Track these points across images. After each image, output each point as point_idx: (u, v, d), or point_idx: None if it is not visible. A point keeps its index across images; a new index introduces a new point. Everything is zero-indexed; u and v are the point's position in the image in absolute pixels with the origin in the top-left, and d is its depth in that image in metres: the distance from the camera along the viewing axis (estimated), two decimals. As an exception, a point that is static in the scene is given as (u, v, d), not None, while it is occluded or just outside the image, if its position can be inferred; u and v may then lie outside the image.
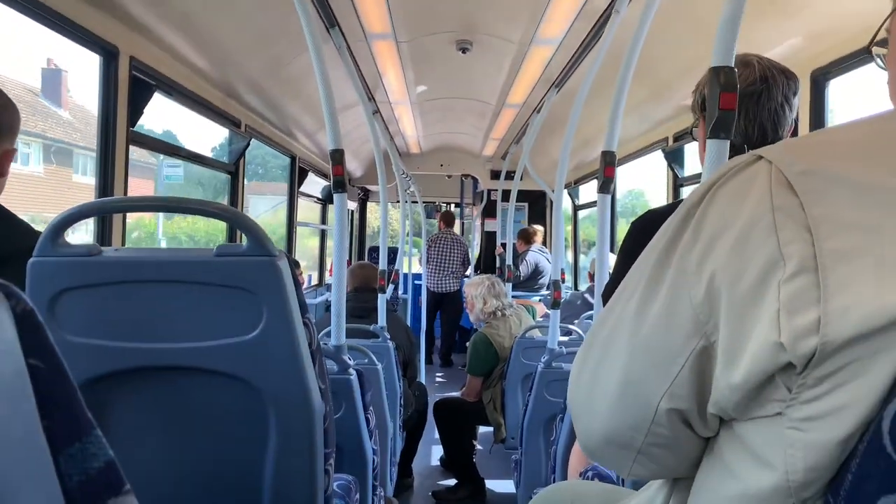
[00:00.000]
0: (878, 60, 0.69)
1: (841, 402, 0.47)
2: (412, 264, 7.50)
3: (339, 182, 2.01)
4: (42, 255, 1.09)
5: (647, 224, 1.36)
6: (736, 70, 1.19)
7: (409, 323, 5.75)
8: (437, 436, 3.60)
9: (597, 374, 0.65)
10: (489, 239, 7.64)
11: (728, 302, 0.52)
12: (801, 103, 1.27)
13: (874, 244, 0.47)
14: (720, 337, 0.53)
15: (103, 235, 2.21)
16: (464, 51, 3.52)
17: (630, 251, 1.34)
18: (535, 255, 5.95)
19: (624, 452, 0.64)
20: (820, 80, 2.22)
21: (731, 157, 1.02)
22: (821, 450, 0.48)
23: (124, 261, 1.13)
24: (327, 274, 6.26)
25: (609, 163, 1.98)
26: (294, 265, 3.70)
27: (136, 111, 2.35)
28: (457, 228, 7.36)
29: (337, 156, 1.99)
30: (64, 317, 1.12)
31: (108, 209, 1.55)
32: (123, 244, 2.33)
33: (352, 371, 2.00)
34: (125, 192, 2.31)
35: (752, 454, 0.53)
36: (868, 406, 0.46)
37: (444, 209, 9.10)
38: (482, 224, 7.90)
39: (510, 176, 5.14)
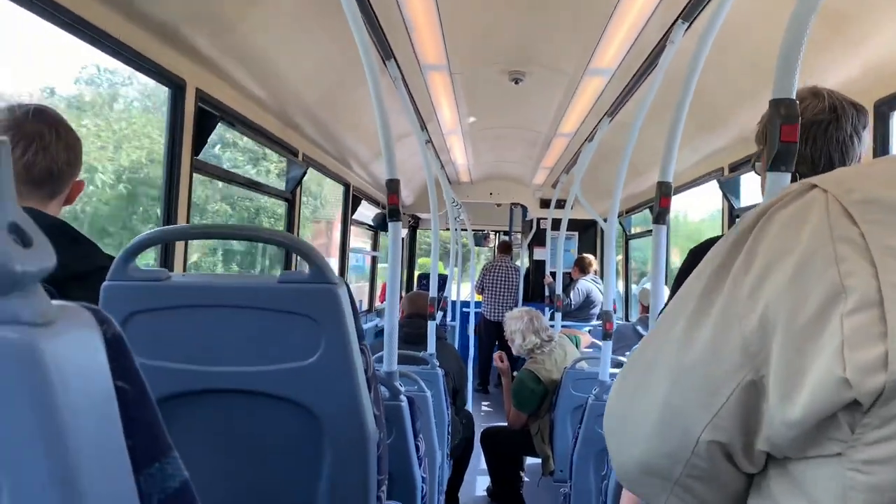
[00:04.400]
0: None
1: None
2: (461, 291, 7.51)
3: (395, 211, 2.05)
4: (114, 280, 1.14)
5: (707, 251, 1.34)
6: (798, 102, 1.18)
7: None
8: (483, 465, 3.57)
9: (637, 396, 0.63)
10: (537, 268, 7.61)
11: (784, 334, 0.50)
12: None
13: None
14: (772, 370, 0.51)
15: (166, 260, 2.29)
16: (516, 81, 3.56)
17: (684, 281, 1.33)
18: (587, 284, 5.90)
19: (659, 482, 0.61)
20: (884, 111, 2.16)
21: None
22: (883, 493, 0.46)
23: (191, 286, 1.17)
24: (377, 300, 6.32)
25: (665, 193, 1.97)
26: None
27: (200, 140, 2.45)
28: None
29: (393, 185, 2.03)
30: (132, 339, 1.14)
31: (177, 236, 1.61)
32: (185, 270, 2.42)
33: (403, 398, 2.01)
34: (188, 218, 2.40)
35: (806, 495, 0.50)
36: None
37: (492, 237, 9.07)
38: (531, 252, 7.88)
39: (560, 204, 5.13)
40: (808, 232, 0.50)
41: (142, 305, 1.15)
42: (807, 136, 1.18)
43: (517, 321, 3.60)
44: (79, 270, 1.18)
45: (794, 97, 1.14)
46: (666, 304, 1.49)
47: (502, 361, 3.83)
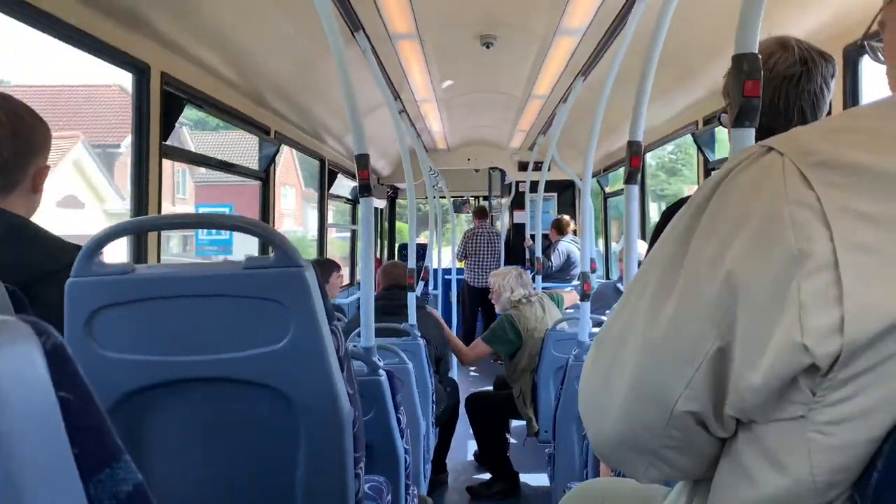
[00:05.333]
0: (873, 54, 0.67)
1: (868, 404, 0.46)
2: (442, 260, 7.52)
3: (366, 186, 2.05)
4: (78, 276, 1.14)
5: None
6: (768, 55, 1.17)
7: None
8: (470, 431, 3.63)
9: (609, 372, 0.63)
10: (517, 231, 7.63)
11: (746, 300, 0.50)
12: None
13: (894, 237, 0.46)
14: (737, 337, 0.51)
15: (140, 253, 2.28)
16: (487, 45, 3.52)
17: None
18: (567, 245, 5.93)
19: (637, 455, 0.62)
20: (853, 56, 2.16)
21: None
22: (847, 452, 0.47)
23: (157, 277, 1.17)
24: (357, 273, 6.33)
25: (635, 152, 1.96)
26: (333, 267, 3.71)
27: (168, 125, 2.41)
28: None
29: (363, 160, 2.02)
30: (101, 333, 1.17)
31: (141, 228, 1.60)
32: (159, 261, 2.40)
33: (381, 372, 2.03)
34: (159, 207, 2.37)
35: (772, 457, 0.52)
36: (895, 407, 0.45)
37: (472, 203, 9.06)
38: (511, 216, 7.89)
39: (538, 167, 5.12)
40: (764, 197, 0.50)
41: (108, 300, 1.15)
42: (778, 90, 1.18)
43: (504, 276, 3.68)
44: (47, 269, 1.17)
45: (757, 52, 1.13)
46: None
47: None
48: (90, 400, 0.48)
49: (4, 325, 0.43)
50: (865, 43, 0.74)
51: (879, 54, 0.66)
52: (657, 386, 0.58)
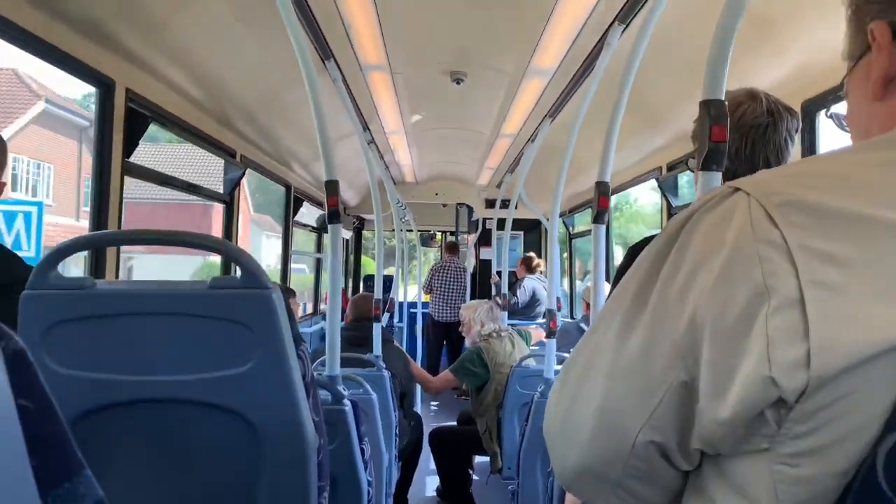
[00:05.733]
0: (838, 122, 0.70)
1: (831, 437, 0.46)
2: (408, 293, 7.49)
3: (334, 213, 2.02)
4: (34, 288, 1.09)
5: (643, 249, 1.37)
6: (737, 104, 1.21)
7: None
8: (433, 466, 3.57)
9: (574, 401, 0.63)
10: (483, 267, 7.66)
11: (712, 336, 0.51)
12: None
13: (857, 275, 0.47)
14: (703, 371, 0.52)
15: (97, 268, 2.20)
16: (458, 82, 3.56)
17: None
18: (533, 282, 5.96)
19: (601, 485, 0.62)
20: (811, 111, 2.25)
21: None
22: (811, 486, 0.47)
23: (117, 293, 1.13)
24: (322, 303, 6.25)
25: (603, 192, 1.99)
26: (289, 294, 3.66)
27: (131, 142, 2.36)
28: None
29: (332, 187, 2.00)
30: (57, 349, 1.11)
31: (100, 242, 1.55)
32: (117, 277, 2.33)
33: (346, 402, 1.99)
34: (119, 224, 2.31)
35: (738, 490, 0.52)
36: (861, 442, 0.46)
37: (439, 237, 9.07)
38: (477, 252, 7.92)
39: (505, 205, 5.17)
40: (732, 234, 0.51)
41: (65, 315, 1.10)
42: (745, 138, 1.21)
43: (476, 309, 3.70)
44: (3, 281, 1.12)
45: (724, 98, 1.17)
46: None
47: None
48: (51, 410, 0.44)
49: None
50: (832, 114, 0.78)
51: (843, 122, 0.69)
52: (620, 415, 0.58)
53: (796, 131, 1.26)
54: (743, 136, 1.22)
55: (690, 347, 0.52)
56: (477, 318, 3.62)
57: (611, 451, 0.59)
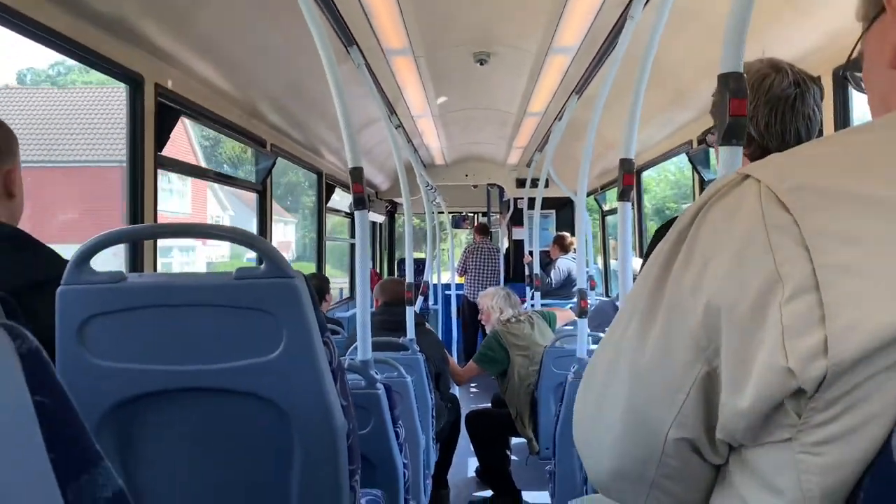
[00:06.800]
0: (855, 84, 0.68)
1: (854, 423, 0.45)
2: (441, 275, 7.52)
3: (360, 199, 2.04)
4: (69, 284, 1.13)
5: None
6: (762, 77, 1.18)
7: (440, 334, 5.76)
8: (471, 447, 3.61)
9: (601, 403, 0.63)
10: (517, 247, 7.64)
11: (728, 327, 0.50)
12: (825, 104, 1.27)
13: (873, 256, 0.45)
14: (722, 363, 0.51)
15: (135, 261, 2.27)
16: (482, 62, 3.54)
17: None
18: (567, 262, 5.92)
19: (636, 486, 0.62)
20: (839, 80, 2.18)
21: None
22: (837, 472, 0.46)
23: (148, 286, 1.16)
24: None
25: (627, 170, 1.97)
26: (324, 282, 3.71)
27: (162, 136, 2.41)
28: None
29: (357, 174, 2.01)
30: (92, 342, 1.15)
31: (132, 236, 1.59)
32: (155, 269, 2.39)
33: (379, 385, 2.01)
34: (155, 217, 2.36)
35: (763, 481, 0.51)
36: (884, 425, 0.45)
37: (470, 218, 9.08)
38: (510, 232, 7.89)
39: (535, 184, 5.14)
40: (742, 223, 0.50)
41: (99, 308, 1.14)
42: (775, 112, 1.18)
43: (493, 297, 3.70)
44: (38, 278, 1.16)
45: (742, 71, 1.14)
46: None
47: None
48: (67, 405, 0.46)
49: None
50: (847, 74, 0.75)
51: (862, 84, 0.67)
52: (648, 415, 0.58)
53: (821, 99, 1.22)
54: (772, 110, 1.18)
55: (709, 338, 0.52)
56: (495, 305, 3.63)
57: (643, 452, 0.59)
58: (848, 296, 0.45)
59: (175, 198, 16.06)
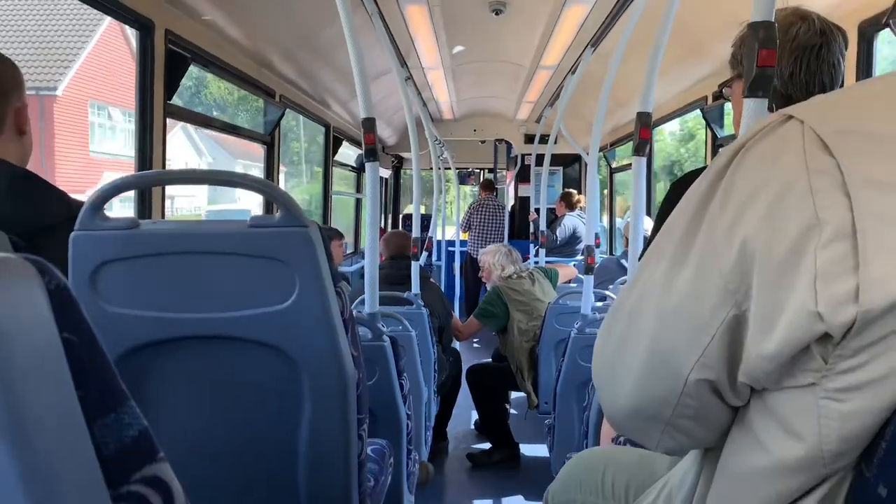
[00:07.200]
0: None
1: (880, 372, 0.46)
2: (445, 231, 7.51)
3: (372, 150, 2.02)
4: (84, 229, 1.13)
5: (687, 186, 1.34)
6: (788, 25, 1.15)
7: (443, 290, 5.79)
8: (471, 401, 3.66)
9: (623, 343, 0.63)
10: (523, 204, 7.60)
11: (761, 269, 0.50)
12: (848, 57, 1.24)
13: None
14: (752, 305, 0.51)
15: (143, 209, 2.27)
16: (497, 13, 3.47)
17: (670, 212, 1.33)
18: (573, 219, 5.89)
19: (652, 424, 0.63)
20: (868, 32, 2.12)
21: None
22: (857, 419, 0.47)
23: (161, 233, 1.16)
24: (362, 241, 6.32)
25: (644, 124, 1.94)
26: (338, 236, 3.72)
27: (172, 84, 2.38)
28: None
29: (369, 124, 1.99)
30: (105, 288, 1.16)
31: (146, 183, 1.58)
32: (163, 217, 2.39)
33: (385, 338, 2.03)
34: (163, 165, 2.35)
35: (783, 425, 0.52)
36: None
37: (477, 174, 9.02)
38: (516, 189, 7.85)
39: (544, 140, 5.08)
40: (784, 166, 0.50)
41: (113, 254, 1.14)
42: (800, 60, 1.16)
43: (495, 254, 3.69)
44: (50, 222, 1.16)
45: (773, 20, 1.11)
46: (648, 240, 1.50)
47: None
48: (94, 343, 0.47)
49: (6, 262, 0.42)
50: (890, 22, 0.73)
51: None
52: (672, 355, 0.58)
53: (846, 49, 1.20)
54: (797, 59, 1.16)
55: (741, 281, 0.51)
56: (497, 262, 3.62)
57: (663, 391, 0.59)
58: (884, 245, 0.45)
59: (120, 137, 14.59)
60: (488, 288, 3.76)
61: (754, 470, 0.54)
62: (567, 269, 4.62)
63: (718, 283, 0.53)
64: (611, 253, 6.21)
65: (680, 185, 1.37)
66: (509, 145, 7.72)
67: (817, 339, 0.47)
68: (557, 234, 5.81)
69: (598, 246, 5.59)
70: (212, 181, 1.30)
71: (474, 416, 3.95)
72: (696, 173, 1.39)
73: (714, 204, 0.54)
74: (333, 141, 4.91)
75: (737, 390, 0.56)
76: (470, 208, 7.17)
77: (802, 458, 0.50)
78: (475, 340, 6.52)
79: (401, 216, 8.74)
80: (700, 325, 0.55)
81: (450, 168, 7.14)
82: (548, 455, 3.17)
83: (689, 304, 0.56)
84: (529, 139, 6.86)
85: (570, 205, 5.99)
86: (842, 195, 0.46)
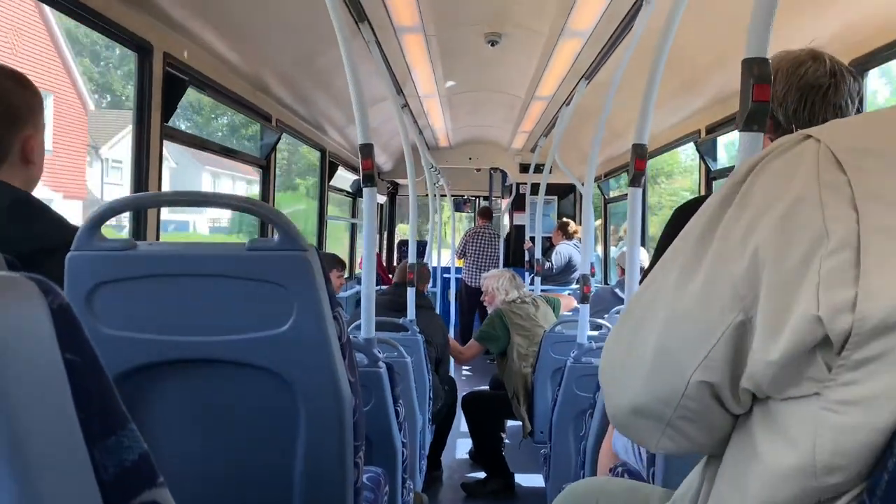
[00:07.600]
0: None
1: (876, 390, 0.47)
2: (441, 258, 7.51)
3: (369, 176, 2.02)
4: (80, 250, 1.12)
5: (692, 211, 1.35)
6: (797, 64, 1.17)
7: None
8: (466, 429, 3.63)
9: (632, 343, 0.65)
10: (517, 233, 7.63)
11: (771, 276, 0.52)
12: None
13: None
14: (760, 311, 0.53)
15: (138, 230, 2.25)
16: (492, 43, 3.51)
17: (672, 237, 1.33)
18: (569, 248, 5.91)
19: (652, 424, 0.64)
20: (859, 71, 2.16)
21: None
22: (851, 434, 0.48)
23: (158, 255, 1.15)
24: (357, 267, 6.30)
25: (640, 155, 1.96)
26: (339, 265, 3.72)
27: (169, 106, 2.38)
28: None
29: (366, 150, 2.00)
30: (100, 310, 1.14)
31: (141, 204, 1.57)
32: (158, 238, 2.38)
33: (381, 364, 2.02)
34: (159, 187, 2.35)
35: (782, 434, 0.53)
36: None
37: (473, 202, 9.05)
38: (511, 217, 7.88)
39: (539, 169, 5.12)
40: (798, 179, 0.52)
41: (109, 276, 1.13)
42: (805, 99, 1.17)
43: (498, 279, 3.71)
44: (47, 245, 1.15)
45: (767, 57, 1.13)
46: (647, 269, 1.50)
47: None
48: (97, 364, 0.46)
49: (10, 281, 0.41)
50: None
51: None
52: (676, 355, 0.60)
53: (857, 94, 1.21)
54: (802, 96, 1.17)
55: (750, 287, 0.53)
56: (500, 287, 3.63)
57: (665, 391, 0.61)
58: (886, 258, 0.46)
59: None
60: (489, 312, 3.76)
61: (751, 478, 0.56)
62: (568, 300, 4.64)
63: (729, 287, 0.55)
64: (605, 282, 6.22)
65: (682, 212, 1.39)
66: (504, 174, 7.76)
67: (822, 347, 0.49)
68: (553, 261, 5.83)
69: (593, 275, 5.62)
70: (208, 203, 1.29)
71: (468, 444, 3.91)
72: (699, 201, 1.41)
73: (730, 213, 0.57)
74: (329, 166, 4.92)
75: (737, 397, 0.58)
76: (466, 235, 7.20)
77: (794, 467, 0.51)
78: (467, 369, 6.49)
79: (396, 243, 8.73)
80: (707, 328, 0.57)
81: (445, 195, 7.16)
82: (543, 485, 3.13)
83: (699, 306, 0.58)
84: (524, 168, 6.90)
85: (567, 234, 6.02)
86: (850, 209, 0.48)
